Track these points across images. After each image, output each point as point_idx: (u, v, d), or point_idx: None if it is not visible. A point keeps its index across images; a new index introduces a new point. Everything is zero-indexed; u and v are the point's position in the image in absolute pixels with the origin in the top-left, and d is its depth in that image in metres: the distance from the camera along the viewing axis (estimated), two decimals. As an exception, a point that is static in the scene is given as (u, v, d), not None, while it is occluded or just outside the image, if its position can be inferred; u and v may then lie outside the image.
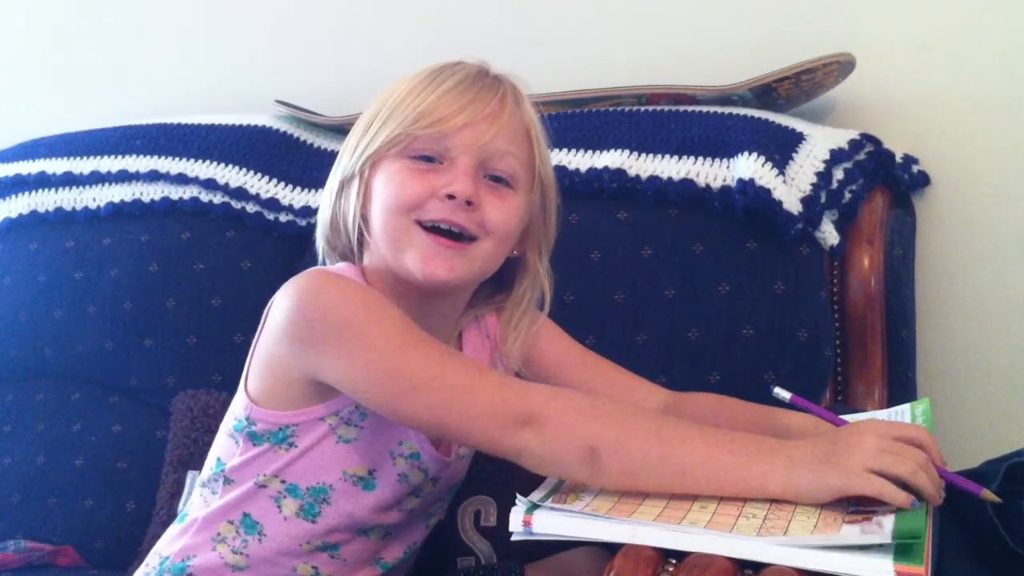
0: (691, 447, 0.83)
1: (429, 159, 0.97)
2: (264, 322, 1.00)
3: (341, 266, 1.03)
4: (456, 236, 0.96)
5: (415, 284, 0.98)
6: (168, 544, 1.04)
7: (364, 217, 1.01)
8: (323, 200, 1.05)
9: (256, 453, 0.99)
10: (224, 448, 1.02)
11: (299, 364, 0.95)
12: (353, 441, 0.98)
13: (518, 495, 0.84)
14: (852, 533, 0.75)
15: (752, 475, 0.81)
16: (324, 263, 1.07)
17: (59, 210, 1.58)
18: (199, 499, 1.04)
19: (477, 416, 0.87)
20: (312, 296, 0.93)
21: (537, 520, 0.82)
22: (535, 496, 0.84)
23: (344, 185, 1.02)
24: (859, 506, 0.82)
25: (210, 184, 1.51)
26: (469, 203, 0.96)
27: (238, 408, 1.01)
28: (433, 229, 0.96)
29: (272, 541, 0.99)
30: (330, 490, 0.99)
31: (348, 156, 1.02)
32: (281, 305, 0.95)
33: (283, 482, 0.99)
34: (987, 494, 0.84)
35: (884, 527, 0.75)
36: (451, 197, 0.95)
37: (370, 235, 1.00)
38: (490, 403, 0.88)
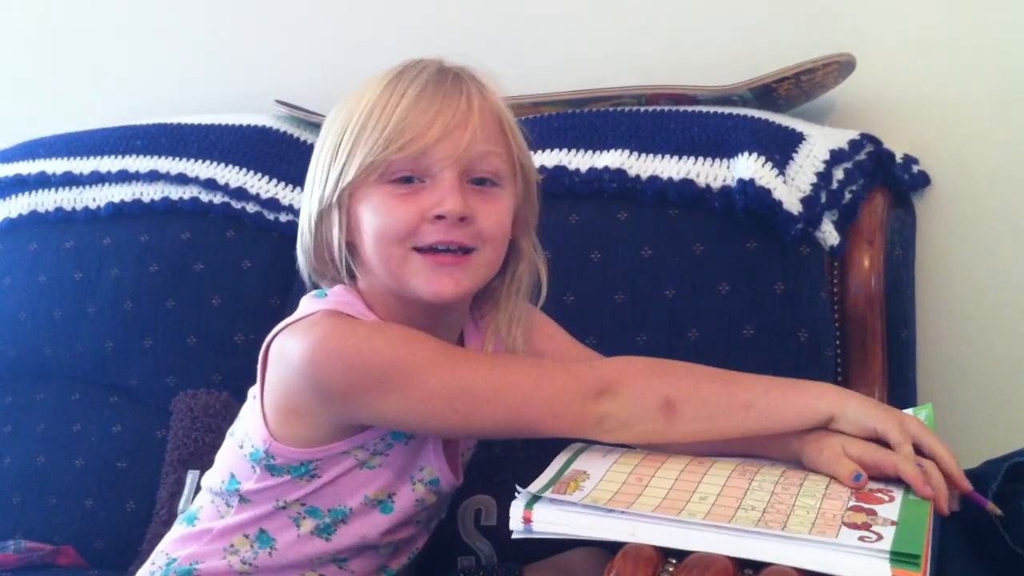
0: (749, 384, 0.91)
1: (409, 180, 0.93)
2: (265, 362, 0.98)
3: (338, 291, 0.99)
4: (454, 251, 0.94)
5: (421, 304, 0.96)
6: (177, 547, 1.03)
7: (351, 244, 0.97)
8: (302, 229, 1.00)
9: (276, 483, 0.98)
10: (239, 468, 1.00)
11: (334, 413, 0.94)
12: (377, 468, 0.98)
13: (517, 487, 0.84)
14: (850, 539, 0.75)
15: (808, 398, 0.89)
16: (313, 286, 1.04)
17: (59, 210, 1.58)
18: (211, 507, 1.03)
19: (555, 402, 0.90)
20: (336, 348, 0.92)
21: (537, 514, 0.82)
22: (535, 487, 0.85)
23: (323, 215, 0.97)
24: (859, 502, 0.82)
25: (210, 184, 1.50)
26: (462, 219, 0.93)
27: (255, 436, 0.98)
28: (430, 250, 0.93)
29: (283, 556, 1.00)
30: (349, 512, 0.99)
31: (320, 184, 0.96)
32: (301, 358, 0.92)
33: (303, 504, 0.99)
34: (992, 507, 0.88)
35: (884, 539, 0.75)
36: (441, 217, 0.92)
37: (362, 262, 0.97)
38: (564, 386, 0.91)
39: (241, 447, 1.00)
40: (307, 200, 0.99)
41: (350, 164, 0.93)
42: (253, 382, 1.03)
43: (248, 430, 1.00)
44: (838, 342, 1.28)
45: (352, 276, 1.00)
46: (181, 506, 1.34)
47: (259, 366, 0.99)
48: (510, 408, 0.90)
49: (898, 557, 0.72)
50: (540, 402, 0.90)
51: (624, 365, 0.92)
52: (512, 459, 1.20)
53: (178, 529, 1.06)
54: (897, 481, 0.86)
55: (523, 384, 0.91)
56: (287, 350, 0.95)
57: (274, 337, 0.98)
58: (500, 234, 0.97)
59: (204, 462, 1.36)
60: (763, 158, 1.24)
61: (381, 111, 0.92)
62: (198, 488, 1.32)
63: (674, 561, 0.76)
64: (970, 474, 0.94)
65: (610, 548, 0.80)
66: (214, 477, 1.04)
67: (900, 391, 1.29)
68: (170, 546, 1.04)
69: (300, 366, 0.92)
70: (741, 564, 0.76)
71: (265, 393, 0.98)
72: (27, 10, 1.89)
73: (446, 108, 0.92)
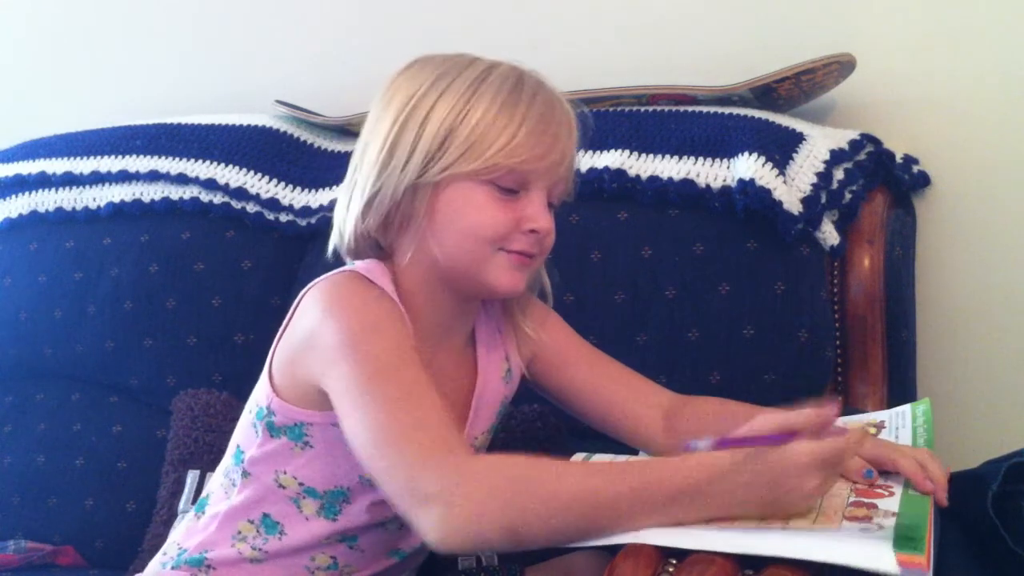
0: (619, 510, 0.81)
1: (511, 186, 0.97)
2: (292, 314, 1.00)
3: (371, 265, 1.01)
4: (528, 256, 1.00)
5: (474, 291, 1.01)
6: (187, 537, 1.05)
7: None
8: (381, 194, 0.98)
9: (274, 447, 1.00)
10: (245, 436, 1.03)
11: (308, 369, 0.96)
12: None
13: None
14: (851, 530, 0.75)
15: (689, 523, 0.80)
16: (335, 257, 1.05)
17: (59, 210, 1.58)
18: (220, 491, 1.05)
19: (399, 464, 0.86)
20: (330, 307, 0.95)
21: None
22: None
23: (413, 189, 0.97)
24: (860, 497, 0.82)
25: (210, 184, 1.51)
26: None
27: (261, 395, 1.02)
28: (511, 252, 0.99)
29: (292, 539, 1.01)
30: (348, 492, 1.00)
31: (421, 160, 0.96)
32: (305, 310, 0.98)
33: (301, 484, 1.00)
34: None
35: (885, 528, 0.75)
36: (534, 232, 0.98)
37: (425, 241, 0.99)
38: (413, 461, 0.86)
39: (250, 413, 1.04)
40: (395, 169, 0.98)
41: (470, 156, 0.95)
42: (253, 382, 1.04)
43: (257, 393, 1.03)
44: (838, 342, 1.28)
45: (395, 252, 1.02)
46: (181, 506, 1.34)
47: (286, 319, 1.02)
48: (368, 434, 0.89)
49: (901, 541, 0.72)
50: (387, 455, 0.87)
51: (472, 480, 0.84)
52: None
53: (189, 519, 1.08)
54: (896, 476, 0.87)
55: (389, 428, 0.88)
56: (303, 303, 0.99)
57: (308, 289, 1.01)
58: (551, 246, 1.02)
59: (204, 462, 1.36)
60: (763, 158, 1.24)
61: (508, 120, 0.96)
62: (199, 488, 1.33)
63: (674, 561, 0.76)
64: (970, 474, 0.94)
65: (610, 551, 0.80)
66: (226, 456, 1.06)
67: (900, 391, 1.29)
68: (182, 537, 1.06)
69: (302, 313, 0.98)
70: (741, 564, 0.76)
71: (279, 343, 1.01)
72: (27, 10, 1.89)
73: (561, 137, 0.99)
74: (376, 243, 1.02)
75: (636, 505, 0.81)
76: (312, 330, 0.96)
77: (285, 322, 1.02)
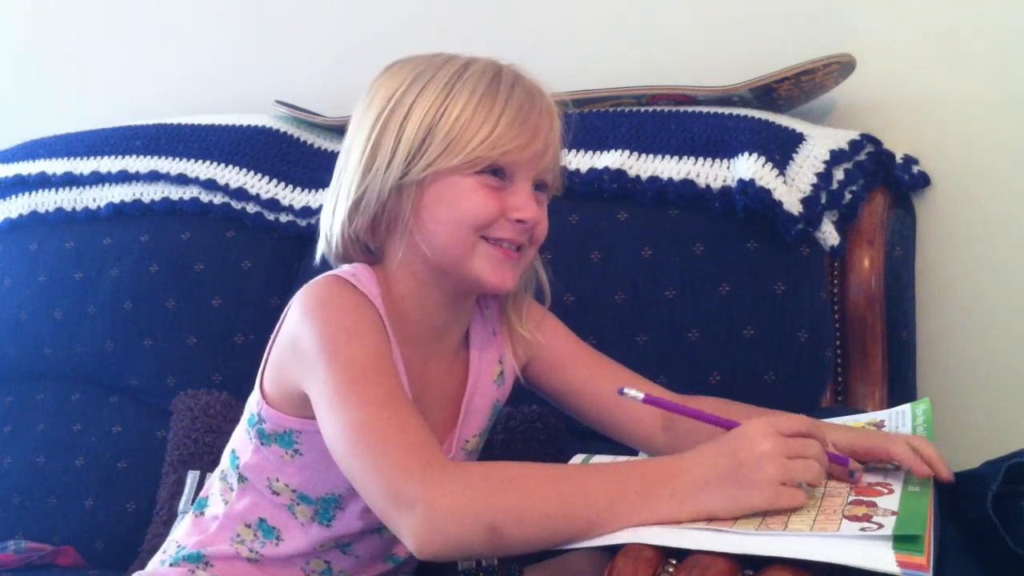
0: (595, 499, 0.82)
1: (497, 176, 0.97)
2: (282, 320, 1.00)
3: (358, 270, 1.00)
4: (514, 248, 0.99)
5: (464, 287, 1.00)
6: (186, 536, 1.06)
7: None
8: (367, 200, 0.99)
9: (266, 454, 1.00)
10: (240, 441, 1.04)
11: (291, 374, 0.96)
12: None
13: None
14: (851, 530, 0.75)
15: (663, 511, 0.81)
16: (323, 261, 1.05)
17: (59, 210, 1.58)
18: (217, 492, 1.06)
19: (378, 467, 0.86)
20: (309, 310, 0.95)
21: None
22: None
23: (398, 190, 0.97)
24: (859, 496, 0.82)
25: (210, 184, 1.51)
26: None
27: (252, 402, 1.02)
28: (496, 242, 0.98)
29: (289, 545, 1.01)
30: (341, 498, 1.00)
31: (403, 161, 0.97)
32: (289, 315, 0.97)
33: (294, 491, 1.00)
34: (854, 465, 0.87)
35: (885, 527, 0.75)
36: (521, 222, 0.97)
37: (413, 239, 0.99)
38: (393, 463, 0.85)
39: (244, 419, 1.04)
40: (378, 170, 0.98)
41: (451, 152, 0.96)
42: (253, 382, 1.04)
43: (249, 402, 1.04)
44: (838, 342, 1.28)
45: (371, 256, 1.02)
46: (181, 506, 1.34)
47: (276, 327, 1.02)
48: (346, 441, 0.88)
49: (901, 541, 0.72)
50: (370, 458, 0.86)
51: (449, 481, 0.84)
52: (512, 459, 1.20)
53: (188, 518, 1.08)
54: (895, 474, 0.87)
55: (371, 432, 0.87)
56: (290, 306, 0.99)
57: None
58: (543, 236, 1.02)
59: (204, 462, 1.36)
60: (763, 158, 1.24)
61: (487, 113, 0.96)
62: (198, 488, 1.33)
63: (674, 561, 0.76)
64: (970, 474, 0.94)
65: (610, 550, 0.80)
66: (223, 459, 1.07)
67: (900, 391, 1.29)
68: (182, 536, 1.07)
69: (288, 317, 0.97)
70: (741, 564, 0.76)
71: (271, 350, 1.01)
72: (26, 10, 1.89)
73: (541, 126, 0.98)
74: (366, 247, 1.01)
75: (610, 496, 0.82)
76: (293, 335, 0.95)
77: (276, 328, 1.01)
